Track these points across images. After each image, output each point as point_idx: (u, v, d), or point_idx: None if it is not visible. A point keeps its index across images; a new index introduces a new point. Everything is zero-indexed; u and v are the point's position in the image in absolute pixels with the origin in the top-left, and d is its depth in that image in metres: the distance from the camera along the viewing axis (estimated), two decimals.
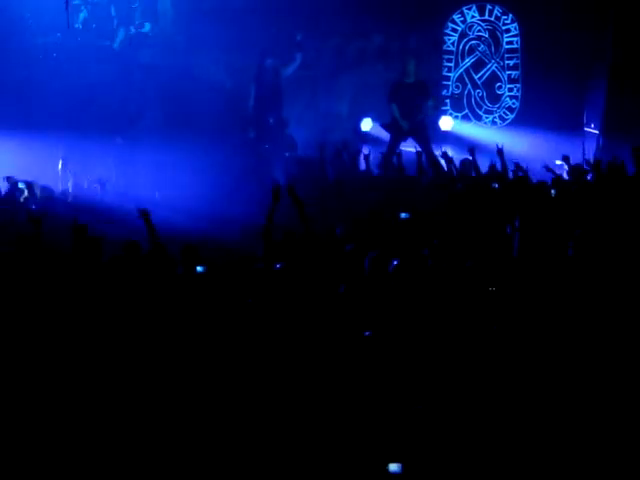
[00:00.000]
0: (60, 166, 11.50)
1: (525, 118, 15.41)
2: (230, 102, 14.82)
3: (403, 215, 8.89)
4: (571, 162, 11.13)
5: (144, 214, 7.51)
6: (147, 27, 15.07)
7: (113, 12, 14.84)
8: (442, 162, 11.61)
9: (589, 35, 14.73)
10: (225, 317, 6.37)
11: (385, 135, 13.91)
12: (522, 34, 15.48)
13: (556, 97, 14.84)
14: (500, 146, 10.98)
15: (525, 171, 10.36)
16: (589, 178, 10.36)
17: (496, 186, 10.18)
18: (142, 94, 14.68)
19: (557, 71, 14.91)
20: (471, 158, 11.13)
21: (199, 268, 7.06)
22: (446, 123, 15.26)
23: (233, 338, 6.20)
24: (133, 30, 14.92)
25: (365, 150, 12.47)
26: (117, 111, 14.34)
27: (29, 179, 11.43)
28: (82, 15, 14.63)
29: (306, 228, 7.85)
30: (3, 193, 11.54)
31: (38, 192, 11.48)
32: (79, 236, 7.45)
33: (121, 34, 14.75)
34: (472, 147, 11.19)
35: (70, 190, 11.29)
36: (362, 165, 12.03)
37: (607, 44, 14.54)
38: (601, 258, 6.96)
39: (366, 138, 14.78)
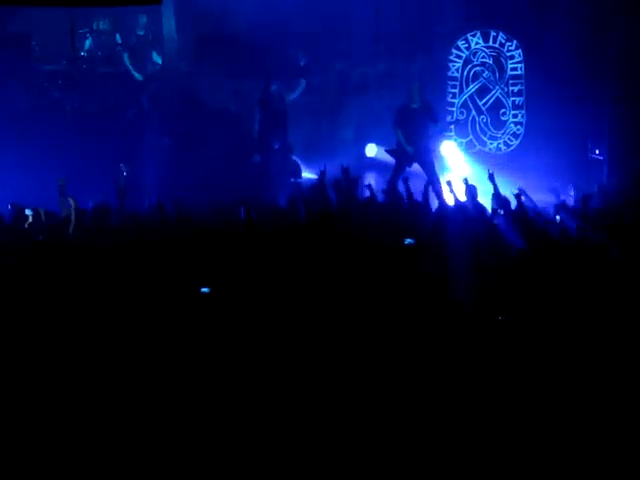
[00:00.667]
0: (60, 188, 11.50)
1: (529, 144, 15.42)
2: (235, 127, 14.86)
3: (407, 241, 8.86)
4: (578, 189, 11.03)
5: None
6: (153, 54, 15.15)
7: (118, 39, 14.91)
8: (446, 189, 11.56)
9: (593, 60, 14.75)
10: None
11: (391, 160, 13.94)
12: (526, 60, 15.52)
13: (560, 123, 14.85)
14: (491, 172, 10.89)
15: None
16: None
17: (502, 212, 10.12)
18: (148, 120, 14.73)
19: (561, 97, 14.92)
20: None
21: (204, 289, 7.10)
22: (449, 148, 15.28)
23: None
24: (139, 57, 15.00)
25: (369, 179, 12.41)
26: (122, 137, 14.40)
27: (33, 205, 11.44)
28: (87, 42, 14.72)
29: None
30: (8, 219, 11.53)
31: (43, 218, 11.47)
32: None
33: (127, 61, 14.81)
34: (491, 172, 11.02)
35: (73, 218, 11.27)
36: (365, 193, 12.00)
37: (612, 69, 14.55)
38: None
39: (371, 164, 14.81)
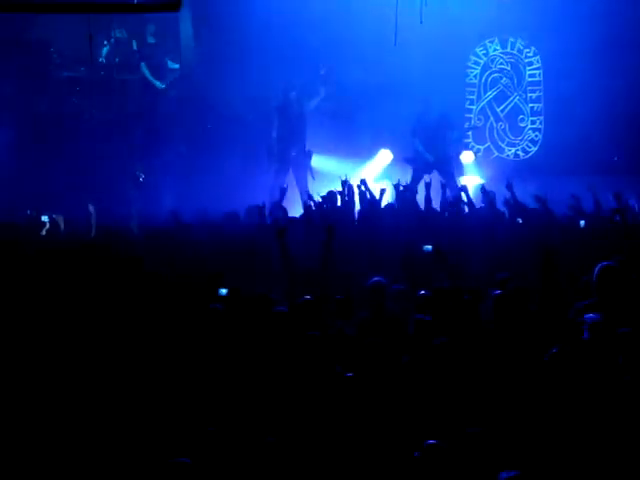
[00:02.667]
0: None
1: (548, 151, 15.35)
2: (251, 134, 14.86)
3: (426, 248, 8.80)
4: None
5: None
6: (170, 61, 15.17)
7: (135, 47, 14.95)
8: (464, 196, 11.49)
9: (612, 67, 14.67)
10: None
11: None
12: (544, 67, 15.46)
13: (579, 129, 14.77)
14: (510, 181, 10.83)
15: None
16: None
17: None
18: (165, 127, 14.77)
19: (580, 103, 14.84)
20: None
21: (222, 291, 7.08)
22: (467, 157, 15.23)
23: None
24: (156, 64, 15.02)
25: (382, 184, 12.31)
26: (139, 144, 14.44)
27: (52, 212, 11.49)
28: (105, 50, 14.76)
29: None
30: (26, 225, 11.56)
31: (62, 226, 11.50)
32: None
33: (146, 70, 14.84)
34: (510, 183, 10.96)
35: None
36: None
37: (632, 75, 14.48)
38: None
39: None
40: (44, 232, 11.34)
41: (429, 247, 8.81)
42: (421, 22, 15.11)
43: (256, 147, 14.64)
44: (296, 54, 14.71)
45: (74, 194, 12.74)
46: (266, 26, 14.99)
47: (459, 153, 14.85)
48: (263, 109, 14.63)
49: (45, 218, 11.45)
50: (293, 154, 13.28)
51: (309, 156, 13.59)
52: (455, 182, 13.25)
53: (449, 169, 13.50)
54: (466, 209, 10.73)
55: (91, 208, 10.25)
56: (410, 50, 15.22)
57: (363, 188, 11.09)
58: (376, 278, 7.38)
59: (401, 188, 11.34)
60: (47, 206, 12.29)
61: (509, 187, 10.63)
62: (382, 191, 11.09)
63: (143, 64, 14.80)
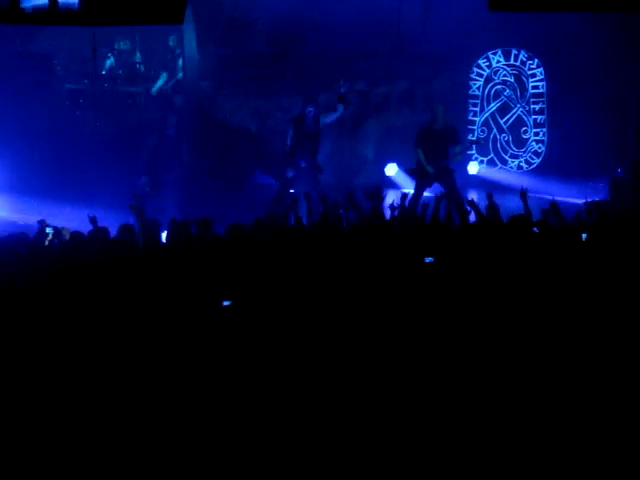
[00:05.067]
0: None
1: (551, 162, 15.36)
2: (255, 145, 14.90)
3: (428, 259, 8.79)
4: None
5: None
6: (174, 73, 15.22)
7: (138, 58, 14.98)
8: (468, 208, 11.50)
9: (616, 78, 14.69)
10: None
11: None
12: (547, 79, 15.48)
13: (583, 141, 14.78)
14: (524, 188, 10.81)
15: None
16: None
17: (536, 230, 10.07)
18: (169, 138, 14.79)
19: (584, 115, 14.86)
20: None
21: (225, 302, 7.10)
22: (472, 168, 15.28)
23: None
24: (161, 76, 15.07)
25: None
26: (142, 154, 14.48)
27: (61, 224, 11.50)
28: (108, 62, 14.80)
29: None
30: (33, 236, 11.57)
31: (67, 237, 11.49)
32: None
33: (148, 80, 14.89)
34: (524, 190, 10.93)
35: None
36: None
37: (634, 87, 14.49)
38: None
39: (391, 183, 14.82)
40: (47, 243, 11.37)
41: (431, 259, 8.81)
42: (424, 33, 15.35)
43: (259, 158, 14.70)
44: (297, 66, 14.79)
45: (77, 205, 12.76)
46: (268, 36, 15.09)
47: (463, 165, 14.92)
48: (266, 121, 14.67)
49: (50, 230, 11.45)
50: (303, 166, 13.34)
51: (320, 170, 13.67)
52: (458, 193, 13.25)
53: (451, 181, 13.48)
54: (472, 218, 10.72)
55: (91, 220, 10.25)
56: (414, 61, 15.38)
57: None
58: None
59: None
60: (51, 217, 12.29)
61: (522, 196, 10.65)
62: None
63: (165, 74, 14.82)
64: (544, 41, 15.25)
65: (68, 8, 9.62)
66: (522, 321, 6.91)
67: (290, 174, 13.39)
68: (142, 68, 14.96)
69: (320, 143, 13.66)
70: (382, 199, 11.34)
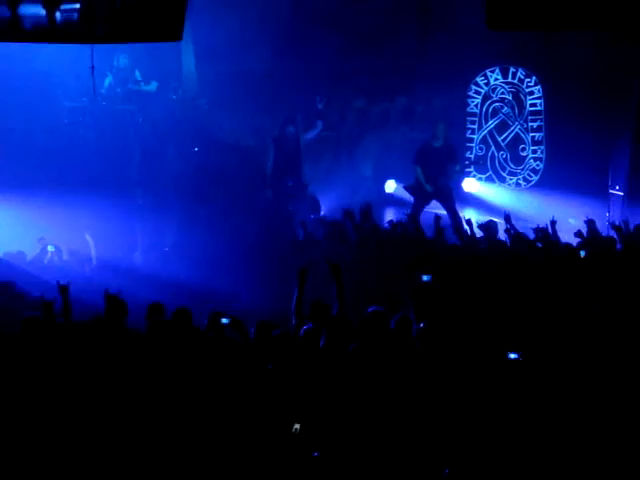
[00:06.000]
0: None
1: (549, 180, 15.36)
2: (251, 163, 14.91)
3: (425, 278, 8.78)
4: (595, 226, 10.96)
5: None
6: (172, 90, 15.21)
7: (138, 76, 14.97)
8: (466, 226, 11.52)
9: (613, 96, 14.70)
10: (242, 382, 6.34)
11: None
12: (545, 96, 15.50)
13: (580, 159, 14.79)
14: (507, 213, 10.89)
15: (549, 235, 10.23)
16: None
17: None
18: (165, 155, 14.80)
19: (581, 133, 14.86)
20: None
21: (224, 320, 7.05)
22: (470, 185, 15.29)
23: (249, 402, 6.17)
24: (159, 92, 15.06)
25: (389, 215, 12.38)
26: (139, 172, 14.50)
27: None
28: (107, 80, 14.78)
29: (340, 308, 7.63)
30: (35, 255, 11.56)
31: (65, 256, 11.51)
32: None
33: (145, 96, 14.88)
34: (507, 213, 10.97)
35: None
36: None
37: (632, 105, 14.48)
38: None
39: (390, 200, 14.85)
40: (46, 261, 11.36)
41: (428, 277, 8.80)
42: (422, 50, 15.40)
43: (256, 175, 14.71)
44: (295, 83, 14.81)
45: (76, 223, 12.74)
46: (266, 55, 15.12)
47: (461, 182, 14.95)
48: (263, 138, 14.70)
49: (51, 248, 11.47)
50: (290, 184, 13.40)
51: (305, 187, 13.75)
52: (456, 212, 13.26)
53: (449, 199, 13.49)
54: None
55: (88, 238, 10.24)
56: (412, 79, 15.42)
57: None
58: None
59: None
60: (50, 235, 12.28)
61: (507, 219, 10.70)
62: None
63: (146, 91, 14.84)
64: (542, 59, 15.28)
65: (66, 23, 9.61)
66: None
67: (269, 195, 13.47)
68: (141, 86, 14.94)
69: (304, 161, 13.76)
70: (371, 219, 11.39)
